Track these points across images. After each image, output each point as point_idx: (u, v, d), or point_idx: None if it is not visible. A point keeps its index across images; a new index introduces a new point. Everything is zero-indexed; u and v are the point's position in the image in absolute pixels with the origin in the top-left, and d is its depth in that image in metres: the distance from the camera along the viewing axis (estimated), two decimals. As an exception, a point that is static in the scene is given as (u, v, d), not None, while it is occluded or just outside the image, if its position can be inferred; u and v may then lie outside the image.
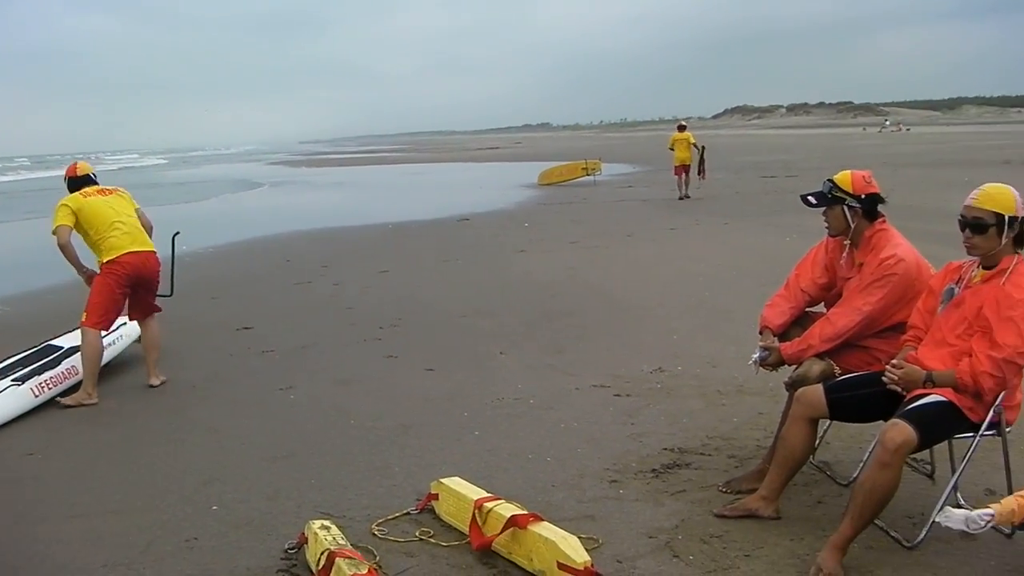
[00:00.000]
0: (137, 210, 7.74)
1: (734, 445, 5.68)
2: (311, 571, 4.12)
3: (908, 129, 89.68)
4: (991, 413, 4.09)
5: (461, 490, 4.63)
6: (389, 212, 23.74)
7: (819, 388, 4.47)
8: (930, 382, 4.13)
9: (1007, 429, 4.19)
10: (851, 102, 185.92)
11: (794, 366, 4.83)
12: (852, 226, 4.77)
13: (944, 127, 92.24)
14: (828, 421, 4.88)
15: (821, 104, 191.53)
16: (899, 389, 4.21)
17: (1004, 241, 4.11)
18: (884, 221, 4.80)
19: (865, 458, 4.95)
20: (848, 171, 4.81)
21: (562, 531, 4.07)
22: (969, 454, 4.21)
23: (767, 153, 49.64)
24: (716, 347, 8.10)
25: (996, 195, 4.13)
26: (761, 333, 5.02)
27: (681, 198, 24.73)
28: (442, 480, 4.78)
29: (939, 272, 4.52)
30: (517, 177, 38.38)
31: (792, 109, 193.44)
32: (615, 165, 42.86)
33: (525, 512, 4.24)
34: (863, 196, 4.77)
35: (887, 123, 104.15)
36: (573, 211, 22.64)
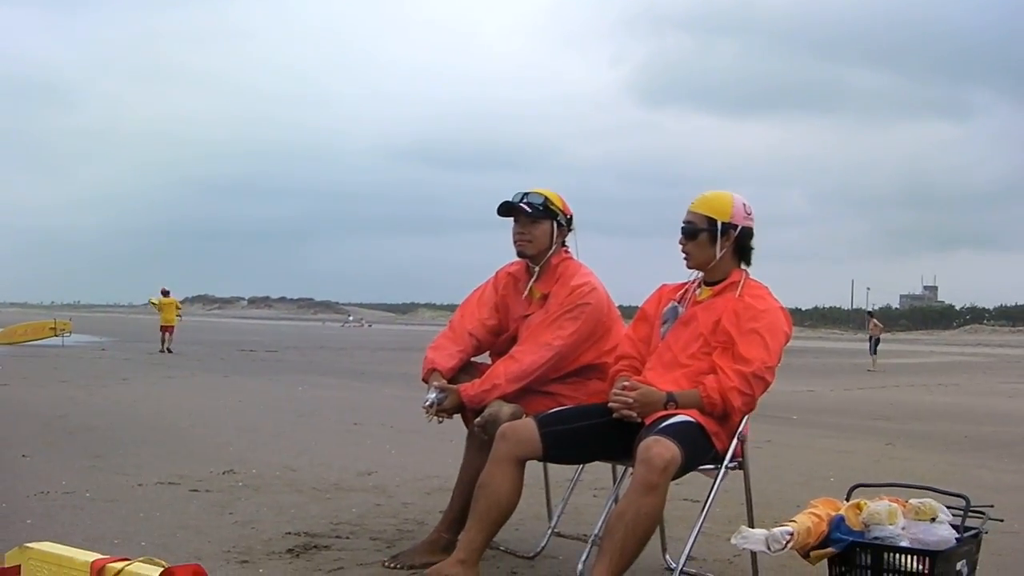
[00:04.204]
0: None
1: (370, 529, 4.55)
2: None
3: (370, 325, 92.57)
4: (735, 442, 3.48)
5: (64, 553, 3.10)
6: None
7: (530, 422, 3.55)
8: (672, 403, 3.42)
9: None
10: (312, 299, 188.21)
11: (473, 410, 3.94)
12: (552, 248, 4.08)
13: (403, 326, 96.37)
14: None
15: (283, 299, 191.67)
16: (634, 415, 3.44)
17: (721, 251, 3.62)
18: (568, 251, 4.19)
19: (547, 539, 4.12)
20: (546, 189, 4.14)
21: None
22: (716, 486, 3.47)
23: (238, 334, 48.42)
24: (286, 457, 6.87)
25: (712, 200, 3.67)
26: (426, 379, 4.08)
27: (162, 352, 25.67)
28: (28, 545, 3.20)
29: (651, 296, 3.89)
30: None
31: (254, 302, 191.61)
32: (81, 336, 39.24)
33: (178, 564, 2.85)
34: (569, 216, 4.13)
35: (350, 319, 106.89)
36: (51, 362, 19.93)
